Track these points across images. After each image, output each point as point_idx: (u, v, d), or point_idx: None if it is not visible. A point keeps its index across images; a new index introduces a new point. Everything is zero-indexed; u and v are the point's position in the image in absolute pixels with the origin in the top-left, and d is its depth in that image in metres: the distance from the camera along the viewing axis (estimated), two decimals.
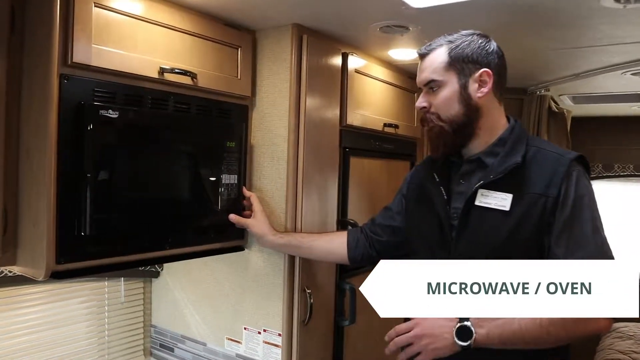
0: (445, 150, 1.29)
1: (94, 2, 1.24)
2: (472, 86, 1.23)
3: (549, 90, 2.44)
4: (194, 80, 1.49)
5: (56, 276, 1.21)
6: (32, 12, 1.23)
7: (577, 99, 2.76)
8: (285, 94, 1.65)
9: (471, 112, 1.24)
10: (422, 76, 1.28)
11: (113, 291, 1.93)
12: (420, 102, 1.29)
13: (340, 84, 1.83)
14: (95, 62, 1.25)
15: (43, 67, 1.20)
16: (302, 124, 1.65)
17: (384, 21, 1.59)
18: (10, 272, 1.49)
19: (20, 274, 1.31)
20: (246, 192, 1.66)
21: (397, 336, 1.20)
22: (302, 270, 1.67)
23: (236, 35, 1.63)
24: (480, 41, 1.24)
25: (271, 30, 1.69)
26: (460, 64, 1.22)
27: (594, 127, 3.44)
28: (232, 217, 1.60)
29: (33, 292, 1.67)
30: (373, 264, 1.71)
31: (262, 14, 1.58)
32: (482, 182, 1.22)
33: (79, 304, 1.82)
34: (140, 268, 1.92)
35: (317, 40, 1.70)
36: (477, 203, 1.22)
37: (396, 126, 2.14)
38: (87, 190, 1.24)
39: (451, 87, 1.23)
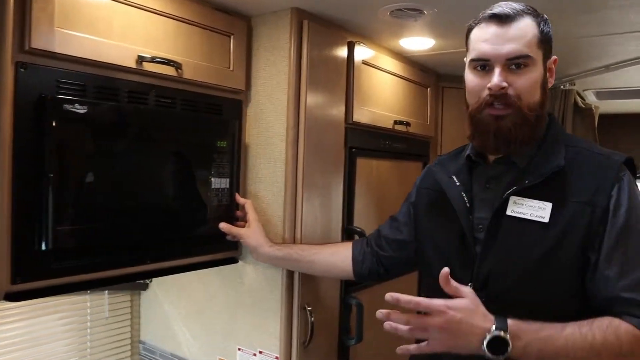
0: (516, 146, 1.03)
1: None
2: (546, 73, 1.04)
3: (574, 85, 2.23)
4: (179, 71, 1.31)
5: (11, 298, 1.04)
6: None
7: (601, 95, 2.56)
8: (283, 87, 1.47)
9: (545, 103, 1.04)
10: (509, 48, 0.98)
11: (96, 305, 1.75)
12: (500, 80, 0.99)
13: (346, 77, 1.64)
14: (59, 49, 1.07)
15: None
16: (302, 120, 1.46)
17: (395, 3, 1.40)
18: None
19: None
20: (240, 200, 1.48)
21: (413, 310, 0.96)
22: (302, 285, 1.49)
23: (228, 21, 1.45)
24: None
25: (268, 16, 1.50)
26: (546, 43, 1.02)
27: (615, 124, 3.23)
28: (223, 225, 1.42)
29: (5, 309, 1.50)
30: (382, 280, 1.54)
31: None
32: (515, 187, 1.02)
33: (58, 320, 1.65)
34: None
35: (320, 26, 1.51)
36: (509, 213, 1.03)
37: (407, 124, 1.95)
38: (48, 197, 1.06)
39: (539, 68, 1.01)
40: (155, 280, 1.83)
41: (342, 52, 1.61)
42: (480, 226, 1.07)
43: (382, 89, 1.85)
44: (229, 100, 1.48)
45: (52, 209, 1.06)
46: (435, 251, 1.17)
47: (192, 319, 1.72)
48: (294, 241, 1.48)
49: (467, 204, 1.09)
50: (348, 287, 1.69)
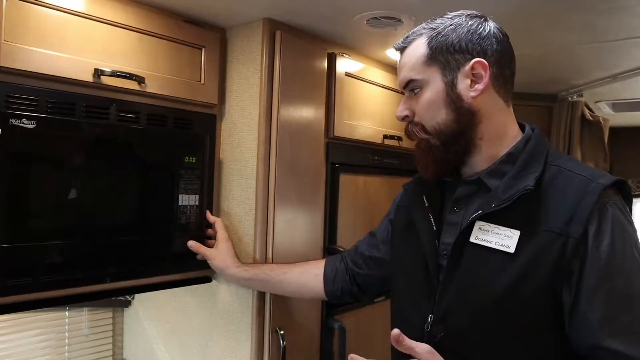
0: (437, 170, 0.98)
1: None
2: (463, 83, 0.92)
3: (582, 96, 2.10)
4: (142, 84, 1.27)
5: None
6: None
7: (618, 106, 2.40)
8: (255, 100, 1.42)
9: (463, 118, 0.93)
10: (400, 76, 1.00)
11: (75, 322, 1.73)
12: (401, 110, 1.00)
13: (327, 90, 1.58)
14: (5, 63, 1.05)
15: None
16: (274, 135, 1.40)
17: (369, 12, 1.33)
18: None
19: None
20: (210, 218, 1.43)
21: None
22: (274, 307, 1.42)
23: (198, 34, 1.41)
24: (470, 23, 0.94)
25: (242, 28, 1.46)
26: (444, 55, 0.93)
27: (634, 138, 3.04)
28: (191, 244, 1.37)
29: None
30: (356, 300, 1.45)
31: (228, 8, 1.35)
32: (480, 212, 0.91)
33: (34, 336, 1.63)
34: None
35: (295, 38, 1.46)
36: (472, 240, 0.91)
37: (399, 138, 1.87)
38: None
39: (434, 87, 0.94)
40: (137, 297, 1.80)
41: (322, 63, 1.55)
42: (445, 252, 0.97)
43: (370, 102, 1.77)
44: (201, 115, 1.43)
45: None
46: (403, 276, 1.09)
47: (170, 339, 1.67)
48: (265, 261, 1.41)
49: (434, 227, 1.00)
50: (330, 309, 1.62)
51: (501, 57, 0.94)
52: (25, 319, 1.60)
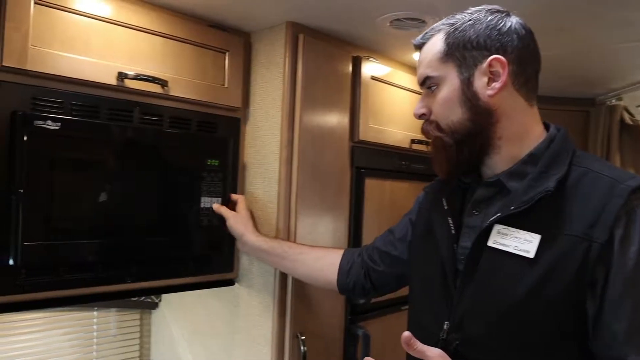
0: (452, 170, 0.95)
1: None
2: (480, 81, 0.88)
3: (621, 100, 2.01)
4: (165, 88, 1.29)
5: None
6: None
7: None
8: (277, 104, 1.41)
9: (479, 117, 0.89)
10: (418, 73, 0.97)
11: (103, 322, 1.76)
12: (418, 107, 0.97)
13: (351, 94, 1.56)
14: (32, 67, 1.08)
15: None
16: (296, 138, 1.40)
17: (391, 13, 1.31)
18: None
19: None
20: (233, 196, 1.44)
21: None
22: (295, 310, 1.40)
23: (222, 38, 1.42)
24: (490, 18, 0.90)
25: (266, 32, 1.46)
26: (460, 51, 0.89)
27: None
28: (215, 205, 1.39)
29: (7, 322, 1.53)
30: (368, 297, 1.40)
31: (251, 12, 1.36)
32: (499, 214, 0.87)
33: (62, 335, 1.66)
34: (135, 298, 1.75)
35: (319, 41, 1.45)
36: (490, 244, 0.87)
37: (427, 142, 1.82)
38: (18, 212, 1.06)
39: (450, 84, 0.90)
40: (164, 299, 1.82)
41: (346, 67, 1.54)
42: (462, 257, 0.92)
43: (398, 106, 1.74)
44: (225, 118, 1.44)
45: (21, 225, 1.06)
46: (420, 281, 1.05)
47: (194, 341, 1.68)
48: None
49: (453, 231, 0.96)
50: (354, 315, 1.59)
51: (522, 54, 0.90)
52: (54, 318, 1.64)
